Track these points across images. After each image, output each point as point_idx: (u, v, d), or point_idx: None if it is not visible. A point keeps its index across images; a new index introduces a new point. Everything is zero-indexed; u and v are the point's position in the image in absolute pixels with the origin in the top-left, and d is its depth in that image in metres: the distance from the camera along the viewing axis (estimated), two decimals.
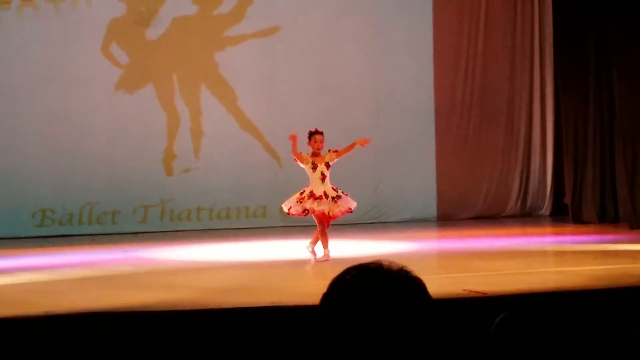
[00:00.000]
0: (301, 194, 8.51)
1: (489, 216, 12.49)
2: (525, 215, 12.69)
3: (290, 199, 8.59)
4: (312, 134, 8.59)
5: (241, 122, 11.88)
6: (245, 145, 11.83)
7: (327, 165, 8.52)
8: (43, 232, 11.17)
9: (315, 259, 8.45)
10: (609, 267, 7.52)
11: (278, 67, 11.95)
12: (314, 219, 8.55)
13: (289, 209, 8.54)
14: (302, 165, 8.57)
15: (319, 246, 8.55)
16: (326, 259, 8.39)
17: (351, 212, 8.68)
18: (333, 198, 8.45)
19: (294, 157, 8.58)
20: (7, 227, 11.02)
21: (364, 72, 12.20)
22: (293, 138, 8.58)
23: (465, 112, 12.56)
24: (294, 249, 8.96)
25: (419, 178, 12.32)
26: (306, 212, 8.46)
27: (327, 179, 8.52)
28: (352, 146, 8.81)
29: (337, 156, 8.60)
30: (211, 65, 11.83)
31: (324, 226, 8.48)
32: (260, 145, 11.90)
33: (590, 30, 11.32)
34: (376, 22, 12.21)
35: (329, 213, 8.41)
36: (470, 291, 6.09)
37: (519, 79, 12.71)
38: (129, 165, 11.49)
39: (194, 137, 11.79)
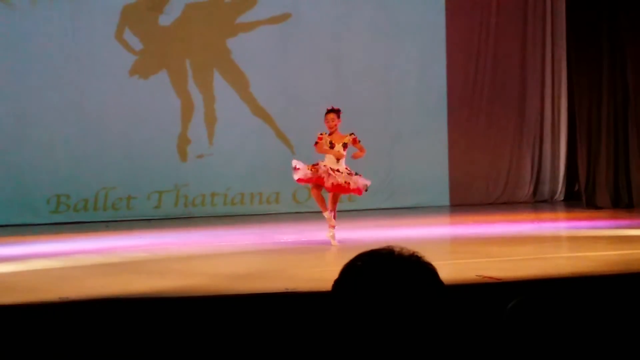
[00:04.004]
0: (314, 165, 8.49)
1: (502, 202, 12.47)
2: (538, 201, 12.67)
3: (303, 164, 8.54)
4: (326, 113, 8.61)
5: (253, 109, 11.89)
6: (258, 131, 11.85)
7: (345, 146, 8.52)
8: (58, 218, 11.22)
9: (336, 243, 8.45)
10: (623, 252, 7.49)
11: (290, 54, 11.94)
12: (311, 188, 8.54)
13: (295, 168, 8.50)
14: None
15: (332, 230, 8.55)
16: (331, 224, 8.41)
17: (365, 190, 8.62)
18: (349, 173, 8.45)
19: (316, 149, 8.60)
20: (22, 213, 11.08)
21: (375, 57, 12.17)
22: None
23: (477, 97, 12.53)
24: (307, 235, 8.97)
25: (431, 164, 12.30)
26: (318, 179, 8.39)
27: (342, 161, 8.50)
28: (362, 153, 8.73)
29: (354, 144, 8.55)
30: (224, 52, 11.83)
31: (319, 191, 8.47)
32: (273, 131, 11.91)
33: (603, 15, 11.26)
34: (388, 6, 12.18)
35: (344, 183, 8.36)
36: (484, 277, 6.08)
37: (532, 64, 12.66)
38: (143, 151, 11.52)
39: (207, 123, 11.81)
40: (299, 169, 8.49)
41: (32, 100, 11.23)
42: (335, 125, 8.53)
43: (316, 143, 8.59)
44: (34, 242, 9.42)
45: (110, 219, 11.27)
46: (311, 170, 8.45)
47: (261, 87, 11.89)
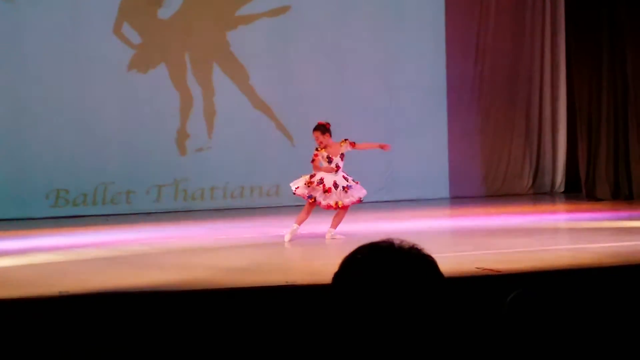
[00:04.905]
0: (311, 177, 8.52)
1: (502, 194, 12.46)
2: (538, 193, 12.66)
3: (299, 180, 8.60)
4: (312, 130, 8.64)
5: (253, 101, 11.87)
6: (257, 124, 11.83)
7: (342, 156, 8.54)
8: (57, 212, 11.21)
9: (339, 236, 8.48)
10: (623, 244, 7.50)
11: (289, 46, 11.93)
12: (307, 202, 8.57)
13: (295, 189, 8.56)
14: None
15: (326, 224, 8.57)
16: (292, 234, 8.44)
17: (361, 201, 8.70)
18: (344, 187, 8.46)
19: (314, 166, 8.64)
20: (21, 207, 11.07)
21: (375, 50, 12.16)
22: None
23: (477, 90, 12.52)
24: (307, 228, 8.96)
25: (431, 156, 12.29)
26: (312, 199, 8.46)
27: (340, 170, 8.54)
28: (372, 145, 8.84)
29: (352, 148, 8.59)
30: (223, 44, 11.81)
31: (311, 208, 8.52)
32: (273, 124, 11.90)
33: (603, 6, 11.23)
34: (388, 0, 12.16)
35: (336, 204, 8.43)
36: (484, 269, 6.08)
37: (531, 56, 12.64)
38: (142, 145, 11.51)
39: (206, 117, 11.79)
40: (298, 187, 8.53)
41: (31, 94, 11.21)
42: (321, 142, 8.53)
43: (312, 160, 8.59)
44: (33, 236, 9.42)
45: (109, 214, 11.26)
46: (308, 186, 8.45)
47: (261, 79, 11.87)
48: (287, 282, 5.74)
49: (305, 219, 8.56)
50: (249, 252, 7.98)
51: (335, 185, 8.46)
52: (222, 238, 9.00)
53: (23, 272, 7.07)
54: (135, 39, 11.58)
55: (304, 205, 8.74)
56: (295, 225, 8.53)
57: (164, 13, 11.67)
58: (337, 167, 8.54)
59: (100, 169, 11.37)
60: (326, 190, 8.43)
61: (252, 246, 8.40)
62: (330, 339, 1.64)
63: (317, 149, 8.58)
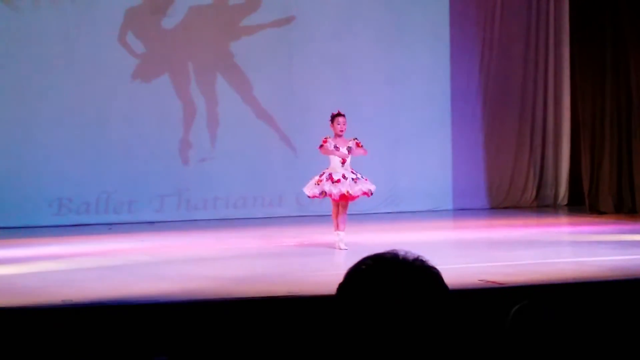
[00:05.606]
0: (320, 176, 8.57)
1: (505, 206, 12.45)
2: (541, 205, 12.65)
3: (309, 183, 8.64)
4: (334, 117, 8.66)
5: (257, 112, 11.89)
6: (260, 134, 11.84)
7: (349, 150, 8.57)
8: (60, 221, 11.21)
9: (343, 246, 8.48)
10: (626, 257, 7.48)
11: (293, 57, 11.94)
12: (331, 202, 8.60)
13: (308, 193, 8.61)
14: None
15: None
16: (340, 242, 8.40)
17: (371, 194, 8.71)
18: (352, 179, 8.50)
19: (321, 152, 8.64)
20: (24, 215, 11.07)
21: (379, 60, 12.17)
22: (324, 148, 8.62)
23: (480, 102, 12.52)
24: (310, 238, 8.97)
25: (435, 168, 12.29)
26: (323, 194, 8.48)
27: (347, 163, 8.56)
28: (365, 152, 8.87)
29: (357, 146, 8.62)
30: (227, 55, 11.83)
31: (339, 208, 8.51)
32: (276, 135, 11.91)
33: (607, 18, 11.25)
34: (392, 10, 12.17)
35: (347, 192, 8.44)
36: (487, 281, 6.08)
37: (535, 67, 12.65)
38: (145, 154, 11.52)
39: (210, 127, 11.81)
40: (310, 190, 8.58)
41: (34, 102, 11.23)
42: (345, 129, 8.58)
43: (321, 146, 8.62)
44: (36, 244, 9.41)
45: (112, 222, 11.25)
46: (317, 184, 8.50)
47: (264, 90, 11.89)
48: (290, 292, 5.74)
49: (338, 218, 8.53)
50: (252, 262, 7.98)
51: (344, 177, 8.51)
52: (225, 248, 8.99)
53: (26, 280, 7.06)
54: (139, 48, 11.61)
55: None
56: (337, 233, 8.53)
57: (168, 23, 11.70)
58: (344, 159, 8.58)
59: (103, 178, 11.38)
60: (335, 181, 8.47)
61: (255, 256, 8.40)
62: (334, 350, 1.64)
63: (326, 137, 8.61)
